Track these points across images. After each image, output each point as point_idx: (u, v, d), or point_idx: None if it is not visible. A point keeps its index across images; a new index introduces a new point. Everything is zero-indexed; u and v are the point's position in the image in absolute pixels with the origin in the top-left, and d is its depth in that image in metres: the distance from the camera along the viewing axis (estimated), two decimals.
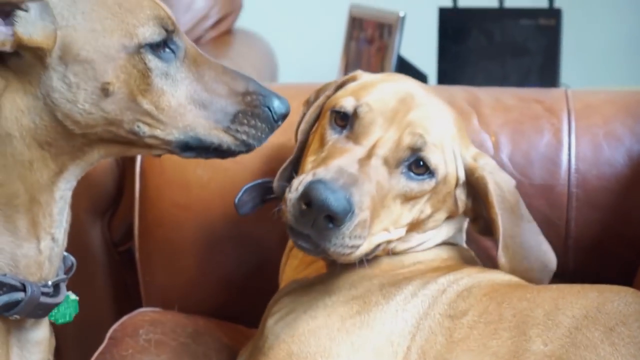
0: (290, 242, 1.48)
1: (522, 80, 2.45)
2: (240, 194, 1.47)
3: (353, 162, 1.24)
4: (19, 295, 1.11)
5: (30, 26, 1.04)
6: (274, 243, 1.62)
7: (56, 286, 1.18)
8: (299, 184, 1.22)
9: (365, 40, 2.65)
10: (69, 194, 1.17)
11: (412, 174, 1.28)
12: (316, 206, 1.17)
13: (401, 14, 2.41)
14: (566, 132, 1.56)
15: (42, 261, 1.15)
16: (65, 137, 1.10)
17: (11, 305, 1.11)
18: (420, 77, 2.53)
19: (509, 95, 1.66)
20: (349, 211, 1.18)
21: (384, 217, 1.27)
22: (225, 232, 1.65)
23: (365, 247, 1.25)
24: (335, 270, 1.34)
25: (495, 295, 1.25)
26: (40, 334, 1.22)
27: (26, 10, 1.04)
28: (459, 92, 1.68)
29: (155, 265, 1.69)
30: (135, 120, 1.11)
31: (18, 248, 1.12)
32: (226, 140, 1.17)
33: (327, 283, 1.33)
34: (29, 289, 1.12)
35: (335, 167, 1.23)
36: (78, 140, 1.11)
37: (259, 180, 1.49)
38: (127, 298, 1.29)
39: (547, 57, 2.43)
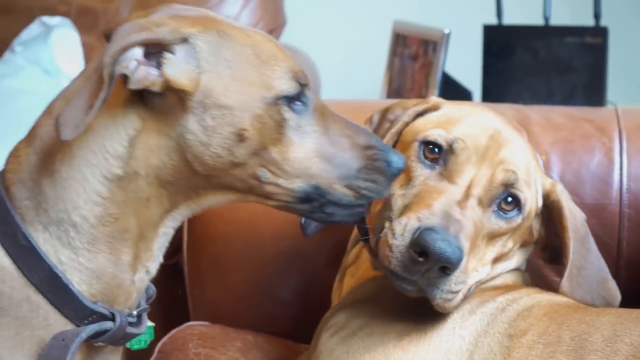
0: (347, 260, 1.49)
1: (568, 98, 2.45)
2: None
3: (454, 205, 1.23)
4: (109, 324, 1.14)
5: (176, 68, 1.07)
6: (321, 260, 1.64)
7: (139, 316, 1.21)
8: (403, 229, 1.20)
9: (409, 56, 2.67)
10: (172, 232, 1.19)
11: (501, 212, 1.28)
12: (433, 258, 1.15)
13: (446, 31, 2.42)
14: (617, 152, 1.56)
15: (132, 292, 1.18)
16: (188, 177, 1.13)
17: (100, 333, 1.13)
18: (465, 93, 2.54)
19: (558, 113, 1.66)
20: (461, 260, 1.18)
21: (473, 256, 1.26)
22: (274, 248, 1.67)
23: (464, 291, 1.24)
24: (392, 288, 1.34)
25: (555, 315, 1.25)
26: (116, 359, 1.25)
27: (173, 53, 1.07)
28: (508, 110, 1.68)
29: (204, 280, 1.71)
30: (260, 166, 1.13)
31: (114, 279, 1.15)
32: (347, 194, 1.17)
33: (384, 299, 1.33)
34: (117, 319, 1.14)
35: (440, 211, 1.21)
36: (199, 182, 1.14)
37: None
38: (174, 311, 1.31)
39: (593, 75, 2.43)
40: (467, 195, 1.25)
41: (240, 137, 1.11)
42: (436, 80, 2.46)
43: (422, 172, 1.29)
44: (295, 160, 1.14)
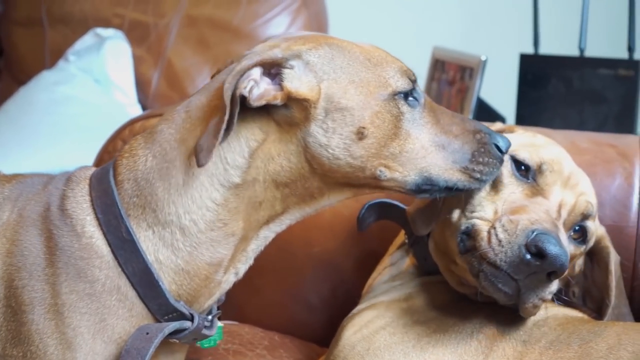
0: (385, 261, 1.54)
1: (599, 128, 2.48)
2: (363, 210, 1.53)
3: (553, 218, 1.28)
4: (187, 324, 1.20)
5: (296, 81, 1.16)
6: (349, 267, 1.69)
7: (212, 319, 1.28)
8: (515, 227, 1.23)
9: (447, 81, 2.73)
10: (272, 236, 1.26)
11: (572, 238, 1.35)
12: (548, 262, 1.19)
13: (483, 58, 2.49)
14: (637, 176, 1.60)
15: (214, 293, 1.24)
16: (305, 178, 1.20)
17: (178, 331, 1.20)
18: (499, 119, 2.60)
19: (584, 138, 1.71)
20: (567, 268, 1.22)
21: None
22: (303, 253, 1.73)
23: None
24: (422, 292, 1.41)
25: (568, 326, 1.31)
26: (182, 356, 1.33)
27: (290, 69, 1.16)
28: (546, 138, 1.73)
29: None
30: (378, 165, 1.19)
31: (206, 280, 1.21)
32: (462, 179, 1.22)
33: (411, 302, 1.39)
34: (196, 320, 1.21)
35: (550, 220, 1.26)
36: (315, 183, 1.20)
37: (380, 200, 1.54)
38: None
39: (625, 106, 2.47)
40: (558, 214, 1.32)
41: (360, 135, 1.17)
42: (471, 105, 2.52)
43: (518, 183, 1.34)
44: (412, 151, 1.20)
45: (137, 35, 2.86)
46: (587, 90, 2.51)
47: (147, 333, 1.15)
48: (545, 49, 2.67)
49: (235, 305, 1.79)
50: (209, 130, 1.13)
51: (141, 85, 2.82)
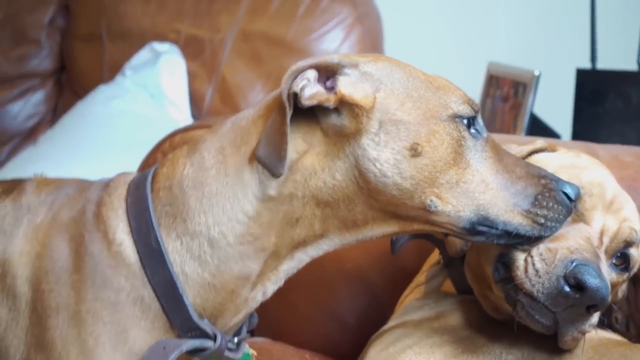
0: (418, 278, 1.51)
1: None
2: None
3: (594, 247, 1.22)
4: (209, 343, 1.16)
5: (350, 87, 1.12)
6: (382, 284, 1.66)
7: (239, 342, 1.24)
8: (553, 257, 1.16)
9: (501, 98, 2.68)
10: (307, 260, 1.20)
11: (614, 265, 1.29)
12: (589, 295, 1.12)
13: (536, 73, 2.43)
14: None
15: (241, 310, 1.20)
16: (349, 199, 1.13)
17: (198, 350, 1.16)
18: (554, 136, 2.53)
19: (627, 153, 1.65)
20: (608, 302, 1.16)
21: None
22: (336, 270, 1.71)
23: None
24: (455, 311, 1.37)
25: (601, 349, 1.25)
26: None
27: (346, 75, 1.12)
28: (578, 146, 1.68)
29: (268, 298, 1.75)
30: (430, 194, 1.11)
31: (232, 294, 1.17)
32: (524, 223, 1.14)
33: (442, 321, 1.35)
34: (218, 340, 1.17)
35: (591, 250, 1.20)
36: (359, 206, 1.13)
37: None
38: None
39: None
40: (600, 241, 1.26)
41: (413, 152, 1.10)
42: (524, 121, 2.47)
43: None
44: (471, 184, 1.12)
45: (192, 50, 2.89)
46: None
47: (165, 348, 1.12)
48: (603, 63, 2.59)
49: (270, 320, 1.78)
50: (268, 137, 1.10)
51: (195, 101, 2.85)
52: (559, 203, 1.15)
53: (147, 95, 2.78)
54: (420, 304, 1.44)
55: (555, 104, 2.70)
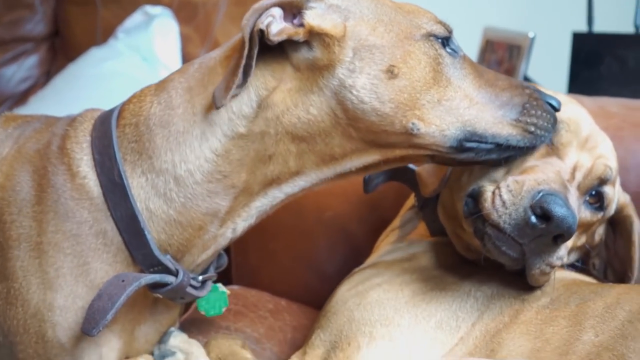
0: (394, 223, 1.49)
1: None
2: None
3: (564, 180, 1.20)
4: (170, 279, 1.16)
5: (318, 18, 1.10)
6: (361, 233, 1.64)
7: (204, 281, 1.23)
8: (520, 188, 1.14)
9: (496, 62, 2.64)
10: (282, 198, 1.17)
11: (588, 203, 1.27)
12: (555, 224, 1.10)
13: (530, 35, 2.39)
14: None
15: (209, 246, 1.19)
16: (326, 132, 1.11)
17: (160, 285, 1.16)
18: None
19: (613, 103, 1.63)
20: (575, 232, 1.14)
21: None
22: (316, 219, 1.69)
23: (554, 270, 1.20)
24: (427, 252, 1.35)
25: (572, 287, 1.24)
26: (175, 313, 1.30)
27: (312, 9, 1.10)
28: (566, 97, 1.65)
29: (247, 247, 1.74)
30: (412, 117, 1.08)
31: (199, 230, 1.15)
32: (514, 133, 1.12)
33: (414, 262, 1.34)
34: (180, 276, 1.16)
35: (559, 181, 1.18)
36: (337, 138, 1.11)
37: None
38: (218, 277, 1.35)
39: None
40: (572, 176, 1.24)
41: (390, 75, 1.08)
42: None
43: None
44: (454, 99, 1.09)
45: (185, 14, 2.86)
46: None
47: (123, 281, 1.11)
48: (599, 26, 2.55)
49: (249, 270, 1.76)
50: (227, 72, 1.08)
51: None
52: (547, 112, 1.13)
53: (140, 58, 2.76)
54: (393, 247, 1.42)
55: (552, 67, 2.66)
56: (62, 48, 3.08)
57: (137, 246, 1.14)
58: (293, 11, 1.11)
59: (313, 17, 1.10)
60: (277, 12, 1.09)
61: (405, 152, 1.13)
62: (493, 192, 1.16)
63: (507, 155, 1.14)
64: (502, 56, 2.59)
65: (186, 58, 2.82)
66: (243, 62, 1.06)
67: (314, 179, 1.16)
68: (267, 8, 1.09)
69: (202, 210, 1.14)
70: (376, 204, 1.64)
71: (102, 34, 2.94)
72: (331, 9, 1.11)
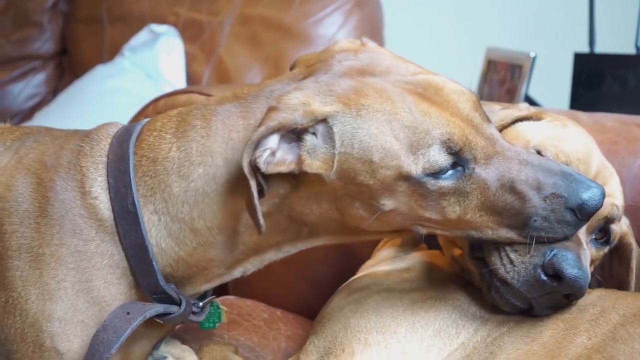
0: (383, 244, 1.50)
1: None
2: None
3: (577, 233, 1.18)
4: (174, 308, 1.17)
5: (312, 152, 1.09)
6: (358, 246, 1.64)
7: (203, 306, 1.25)
8: (530, 246, 1.11)
9: (498, 82, 2.66)
10: (295, 251, 1.21)
11: (594, 240, 1.27)
12: (567, 284, 1.09)
13: (532, 55, 2.41)
14: None
15: (212, 280, 1.21)
16: (339, 222, 1.14)
17: (162, 315, 1.17)
18: None
19: (609, 119, 1.63)
20: (585, 292, 1.14)
21: None
22: None
23: None
24: (426, 262, 1.35)
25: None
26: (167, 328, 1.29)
27: (314, 134, 1.09)
28: (561, 113, 1.65)
29: None
30: (412, 226, 1.12)
31: (204, 269, 1.18)
32: (514, 238, 1.12)
33: (413, 272, 1.33)
34: (183, 306, 1.18)
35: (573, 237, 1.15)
36: (350, 225, 1.15)
37: None
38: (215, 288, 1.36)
39: None
40: None
41: (383, 207, 1.09)
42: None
43: None
44: (454, 218, 1.10)
45: (191, 33, 2.90)
46: None
47: (128, 313, 1.13)
48: (601, 47, 2.57)
49: (245, 281, 1.75)
50: (246, 203, 1.09)
51: (192, 82, 2.85)
52: (561, 222, 1.09)
53: (144, 75, 2.79)
54: (391, 256, 1.42)
55: (553, 87, 2.67)
56: (69, 66, 3.12)
57: (143, 274, 1.15)
58: (296, 132, 1.10)
59: (308, 151, 1.09)
60: (275, 141, 1.08)
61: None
62: (497, 249, 1.15)
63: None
64: (503, 76, 2.61)
65: (191, 76, 2.85)
66: (255, 196, 1.07)
67: (330, 240, 1.20)
68: (262, 137, 1.07)
69: (210, 257, 1.17)
70: None
71: (109, 52, 2.98)
72: (329, 136, 1.09)
